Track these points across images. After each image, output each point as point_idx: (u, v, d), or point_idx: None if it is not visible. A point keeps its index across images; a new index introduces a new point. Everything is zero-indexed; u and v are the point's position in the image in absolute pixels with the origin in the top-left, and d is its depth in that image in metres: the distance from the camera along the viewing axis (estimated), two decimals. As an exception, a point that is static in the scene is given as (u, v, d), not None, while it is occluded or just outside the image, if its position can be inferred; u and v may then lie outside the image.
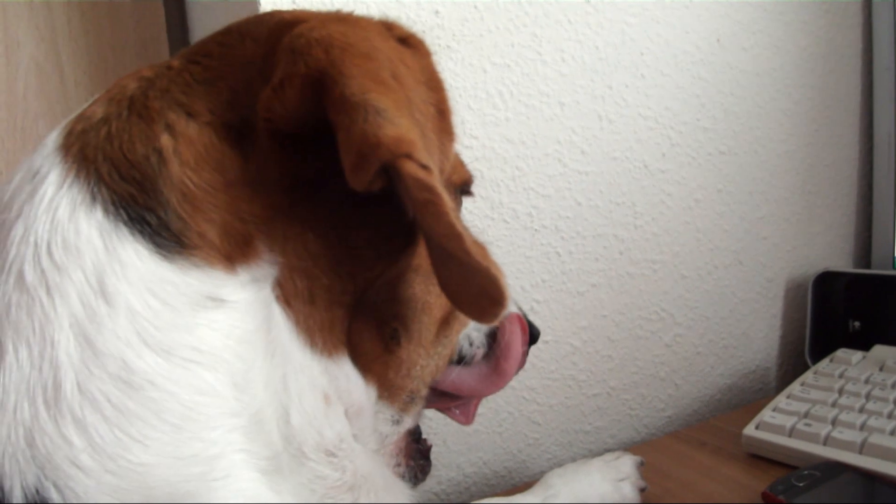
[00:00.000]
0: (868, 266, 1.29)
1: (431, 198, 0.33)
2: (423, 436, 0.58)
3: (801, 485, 0.71)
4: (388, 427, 0.49)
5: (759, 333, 1.20)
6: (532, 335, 0.63)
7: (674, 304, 1.08)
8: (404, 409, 0.49)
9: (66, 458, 0.33)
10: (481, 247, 0.35)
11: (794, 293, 1.23)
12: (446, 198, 0.33)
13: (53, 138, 0.41)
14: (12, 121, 0.90)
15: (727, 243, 1.13)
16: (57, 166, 0.38)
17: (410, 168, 0.33)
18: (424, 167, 0.33)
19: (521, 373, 0.94)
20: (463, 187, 0.55)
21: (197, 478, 0.34)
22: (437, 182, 0.33)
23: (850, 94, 1.26)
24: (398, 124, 0.33)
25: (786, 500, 0.69)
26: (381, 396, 0.47)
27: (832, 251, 1.28)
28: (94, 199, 0.37)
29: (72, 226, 0.36)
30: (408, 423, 0.51)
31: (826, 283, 1.16)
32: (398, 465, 0.52)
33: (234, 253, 0.38)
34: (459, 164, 0.55)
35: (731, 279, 1.15)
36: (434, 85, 0.42)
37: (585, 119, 0.96)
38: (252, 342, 0.38)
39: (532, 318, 0.94)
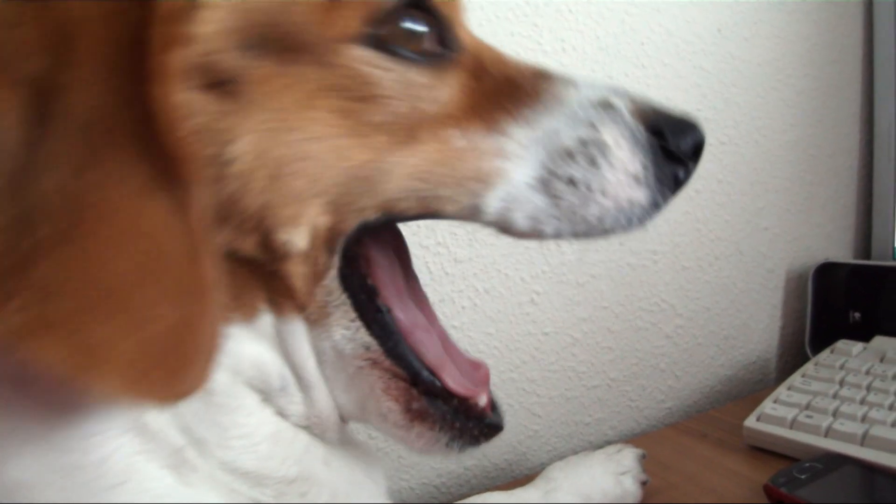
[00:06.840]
0: (868, 257, 1.28)
1: None
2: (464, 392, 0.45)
3: (802, 477, 0.71)
4: (348, 345, 0.41)
5: (759, 324, 1.20)
6: (677, 179, 0.44)
7: (674, 295, 1.08)
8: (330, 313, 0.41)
9: None
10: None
11: (794, 284, 1.22)
12: None
13: None
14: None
15: (728, 234, 1.13)
16: None
17: None
18: None
19: (521, 364, 0.94)
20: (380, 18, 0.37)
21: (82, 486, 0.34)
22: None
23: (852, 84, 1.26)
24: None
25: (788, 492, 0.69)
26: (310, 320, 0.40)
27: (833, 242, 1.28)
28: None
29: None
30: (363, 336, 0.41)
31: (826, 273, 1.16)
32: (407, 428, 0.42)
33: None
34: None
35: (732, 270, 1.14)
36: None
37: (586, 109, 0.95)
38: None
39: (531, 309, 0.94)
